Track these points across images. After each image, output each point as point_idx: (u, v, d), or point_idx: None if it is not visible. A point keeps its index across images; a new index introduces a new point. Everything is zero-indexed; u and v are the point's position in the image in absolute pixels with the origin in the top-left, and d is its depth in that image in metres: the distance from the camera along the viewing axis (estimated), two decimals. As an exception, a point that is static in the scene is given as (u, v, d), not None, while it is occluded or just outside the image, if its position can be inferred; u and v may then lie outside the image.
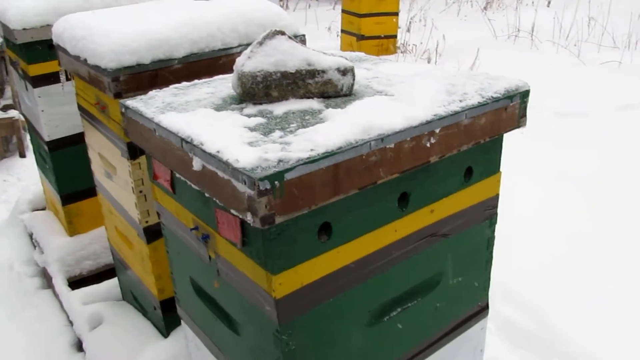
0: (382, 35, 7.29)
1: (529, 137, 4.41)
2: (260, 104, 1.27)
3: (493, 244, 1.52)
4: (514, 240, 3.19)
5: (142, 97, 1.40)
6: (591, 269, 2.99)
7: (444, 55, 6.84)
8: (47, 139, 2.80)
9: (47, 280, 3.08)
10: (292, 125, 1.13)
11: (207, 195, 1.13)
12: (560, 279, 2.93)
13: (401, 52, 7.33)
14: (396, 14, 7.30)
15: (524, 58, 6.68)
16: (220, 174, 1.00)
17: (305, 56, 1.27)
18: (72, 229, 3.04)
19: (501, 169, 1.45)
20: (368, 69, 1.54)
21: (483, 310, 1.60)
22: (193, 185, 1.15)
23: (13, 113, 5.00)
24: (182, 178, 1.19)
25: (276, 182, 0.93)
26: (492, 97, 1.27)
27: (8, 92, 5.77)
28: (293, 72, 1.26)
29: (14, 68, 3.06)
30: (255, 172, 0.93)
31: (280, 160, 0.96)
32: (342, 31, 7.67)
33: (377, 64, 1.60)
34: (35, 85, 2.70)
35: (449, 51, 6.95)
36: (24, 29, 2.55)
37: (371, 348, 1.30)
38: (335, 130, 1.05)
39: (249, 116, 1.19)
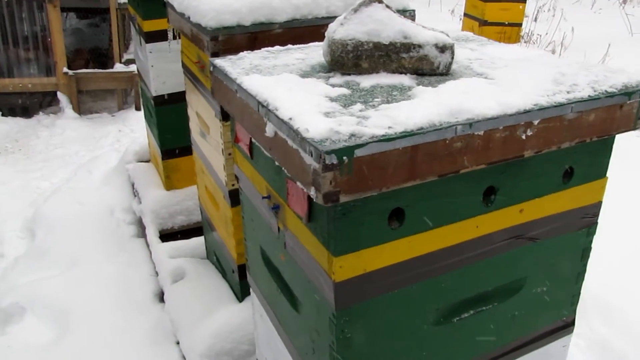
0: (506, 23, 6.92)
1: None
2: (349, 74, 1.20)
3: (588, 256, 1.38)
4: (620, 251, 2.94)
5: (232, 57, 1.37)
6: None
7: (570, 49, 6.40)
8: (154, 93, 2.89)
9: (141, 229, 3.21)
10: (376, 99, 1.05)
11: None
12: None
13: (524, 42, 6.94)
14: (524, 0, 6.91)
15: (662, 58, 6.11)
16: (290, 142, 0.94)
17: (401, 28, 1.19)
18: (170, 183, 3.13)
19: (608, 174, 1.30)
20: (472, 50, 1.42)
21: (568, 326, 1.45)
22: (266, 152, 1.10)
23: (133, 67, 5.24)
24: (257, 143, 1.15)
25: (344, 158, 0.86)
26: (605, 91, 1.13)
27: (132, 47, 6.05)
28: (386, 43, 1.17)
29: (132, 23, 3.18)
30: (324, 144, 0.86)
31: (352, 135, 0.89)
32: (465, 15, 7.37)
33: (484, 45, 1.47)
34: (148, 41, 2.77)
35: (577, 45, 6.49)
36: (142, -16, 2.63)
37: (436, 348, 1.21)
38: (419, 109, 0.96)
39: (333, 86, 1.13)
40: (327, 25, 1.89)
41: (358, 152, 0.87)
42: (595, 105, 1.11)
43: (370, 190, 0.91)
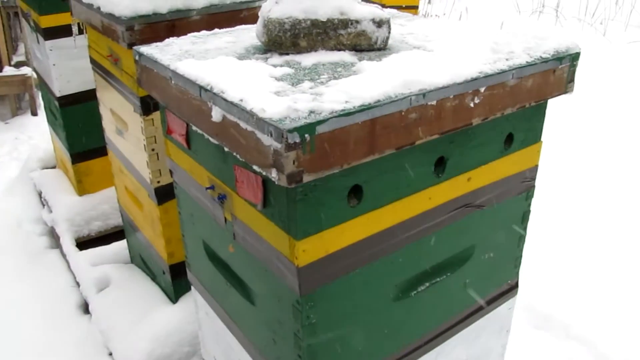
0: (404, 5, 7.07)
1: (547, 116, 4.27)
2: (287, 54, 1.16)
3: (528, 219, 1.42)
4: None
5: (158, 44, 1.30)
6: (616, 256, 2.89)
7: (467, 29, 6.64)
8: (58, 94, 2.71)
9: (55, 239, 3.02)
10: (322, 76, 1.02)
11: (226, 150, 1.03)
12: (583, 263, 2.83)
13: (422, 24, 7.13)
14: (419, -17, 7.09)
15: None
16: (243, 125, 0.90)
17: (337, 4, 1.16)
18: (82, 188, 2.96)
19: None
20: (402, 25, 1.42)
21: (512, 289, 1.50)
22: (211, 139, 1.04)
23: (26, 70, 4.91)
24: (199, 131, 1.09)
25: (306, 136, 0.83)
26: (540, 57, 1.15)
27: (21, 48, 5.67)
28: (324, 20, 1.14)
29: (26, 20, 2.96)
30: (284, 123, 0.82)
31: (311, 112, 0.85)
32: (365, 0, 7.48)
33: (411, 20, 1.48)
34: (47, 38, 2.59)
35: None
36: (36, -23, 2.45)
37: (395, 324, 1.21)
38: (372, 82, 0.94)
39: (274, 66, 1.09)
40: (245, 10, 1.85)
41: (319, 129, 0.84)
42: (533, 71, 1.13)
43: (332, 167, 0.88)
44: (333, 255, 1.01)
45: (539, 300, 2.65)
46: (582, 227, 3.12)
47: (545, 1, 7.87)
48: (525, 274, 2.73)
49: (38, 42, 2.76)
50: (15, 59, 5.31)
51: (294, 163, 0.83)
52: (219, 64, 1.09)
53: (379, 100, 0.90)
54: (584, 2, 7.62)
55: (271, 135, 0.83)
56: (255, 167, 0.91)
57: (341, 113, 0.86)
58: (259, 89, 0.94)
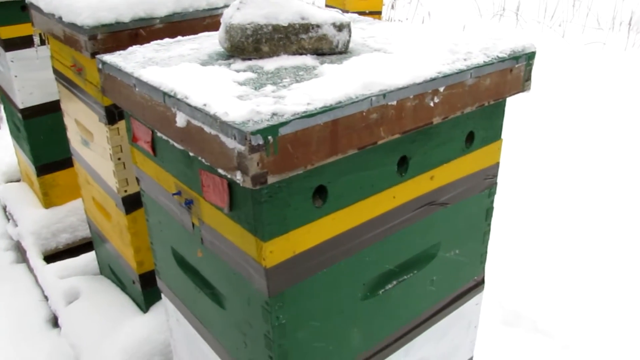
0: (367, 12, 7.14)
1: (508, 115, 4.37)
2: (250, 59, 1.18)
3: (491, 216, 1.45)
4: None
5: (122, 52, 1.30)
6: (578, 251, 2.96)
7: (431, 33, 6.75)
8: (20, 106, 2.67)
9: (21, 254, 2.97)
10: (285, 80, 1.04)
11: (191, 155, 1.04)
12: (547, 259, 2.90)
13: (387, 29, 7.22)
14: (382, -11, 7.17)
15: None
16: (207, 129, 0.91)
17: (298, 9, 1.18)
18: (48, 201, 2.92)
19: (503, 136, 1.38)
20: (363, 29, 1.44)
21: (478, 285, 1.53)
22: (176, 145, 1.05)
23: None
24: (164, 137, 1.10)
25: (269, 137, 0.84)
26: (497, 56, 1.19)
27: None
28: (285, 25, 1.16)
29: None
30: (247, 125, 0.84)
31: (274, 114, 0.87)
32: (327, 6, 7.53)
33: (372, 24, 1.51)
34: (7, 49, 2.56)
35: (436, 29, 6.86)
36: (-5, -12, 2.42)
37: (365, 323, 1.23)
38: (333, 84, 0.96)
39: (237, 71, 1.10)
40: (208, 17, 1.86)
41: (282, 131, 0.85)
42: (490, 70, 1.17)
43: (296, 168, 0.90)
44: (300, 255, 1.03)
45: (507, 297, 2.70)
46: (545, 223, 3.19)
47: (505, 4, 8.03)
48: (494, 273, 2.80)
49: (-1, 53, 2.72)
50: (-24, 72, 5.20)
51: (258, 165, 0.85)
52: (182, 71, 1.10)
53: (340, 102, 0.92)
54: (542, 5, 7.81)
55: (235, 138, 0.84)
56: (220, 170, 0.92)
57: (303, 115, 0.87)
58: (222, 94, 0.95)
